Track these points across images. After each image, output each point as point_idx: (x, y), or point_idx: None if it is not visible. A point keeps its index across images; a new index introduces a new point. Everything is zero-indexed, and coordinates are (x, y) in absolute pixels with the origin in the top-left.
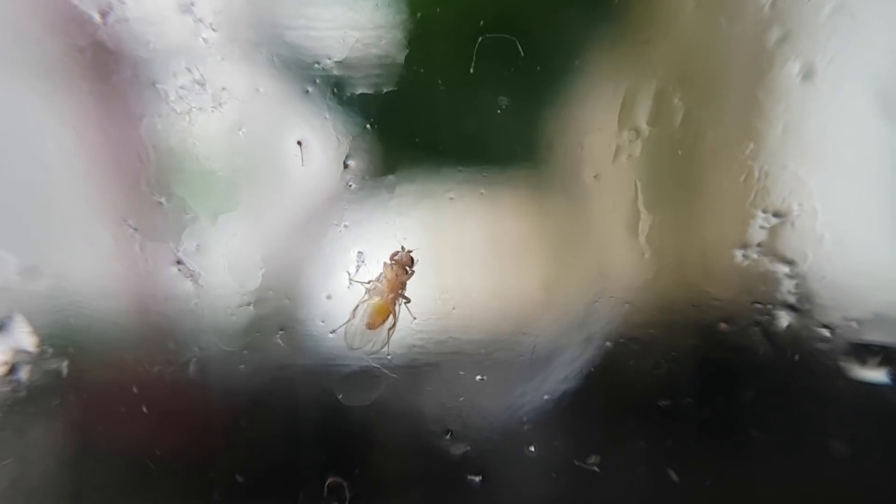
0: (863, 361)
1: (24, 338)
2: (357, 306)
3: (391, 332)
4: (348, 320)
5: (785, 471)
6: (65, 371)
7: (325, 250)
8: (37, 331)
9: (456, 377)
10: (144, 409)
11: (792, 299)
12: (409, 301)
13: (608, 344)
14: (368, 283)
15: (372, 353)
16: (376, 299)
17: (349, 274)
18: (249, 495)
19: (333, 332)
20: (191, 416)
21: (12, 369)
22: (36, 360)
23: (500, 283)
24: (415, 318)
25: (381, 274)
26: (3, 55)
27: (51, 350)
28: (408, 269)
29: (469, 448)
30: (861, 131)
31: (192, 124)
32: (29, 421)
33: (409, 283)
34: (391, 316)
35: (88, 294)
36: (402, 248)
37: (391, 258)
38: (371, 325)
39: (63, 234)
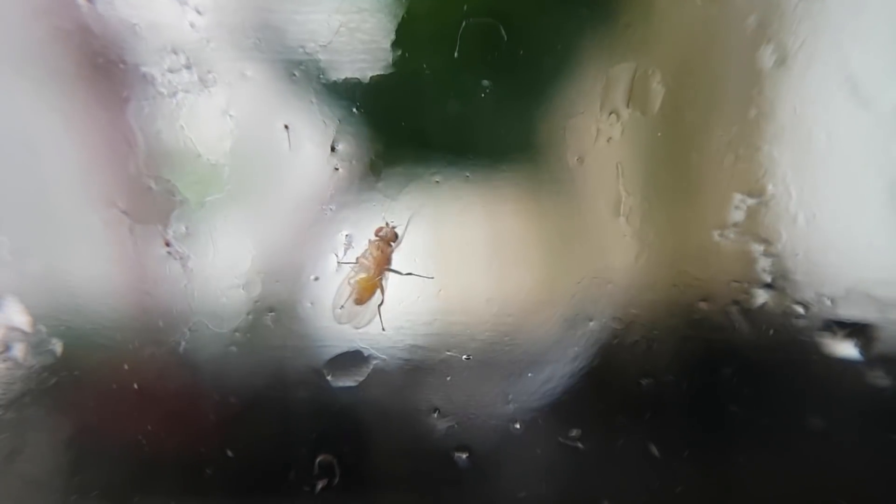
0: (836, 337)
1: (17, 317)
2: (344, 283)
3: (381, 306)
4: (336, 296)
5: (762, 444)
6: (58, 350)
7: (313, 233)
8: (30, 311)
9: (442, 357)
10: (136, 386)
11: (768, 278)
12: (397, 272)
13: (591, 323)
14: (355, 260)
15: (360, 328)
16: (363, 275)
17: (337, 256)
18: (240, 472)
19: (317, 278)
20: (182, 395)
21: (7, 348)
22: (30, 339)
23: (484, 265)
24: (401, 302)
25: (367, 250)
26: None
27: (44, 330)
28: (392, 243)
29: (455, 425)
30: (832, 113)
31: (180, 108)
32: (24, 398)
33: (395, 262)
34: (379, 291)
35: (80, 275)
36: (386, 223)
37: (375, 234)
38: (359, 301)
39: (54, 217)
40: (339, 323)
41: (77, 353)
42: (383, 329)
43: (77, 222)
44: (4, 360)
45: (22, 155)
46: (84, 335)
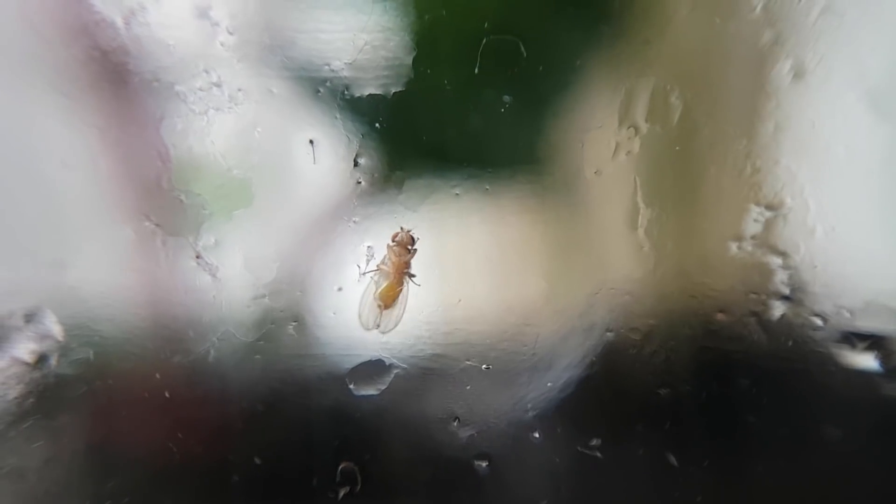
0: (854, 349)
1: (51, 328)
2: (367, 290)
3: (403, 310)
4: (360, 304)
5: (779, 454)
6: (91, 359)
7: (336, 245)
8: (63, 321)
9: (462, 366)
10: (166, 394)
11: (786, 289)
12: (414, 276)
13: (609, 334)
14: (376, 267)
15: (386, 332)
16: (384, 281)
17: (359, 267)
18: (266, 478)
19: (340, 288)
20: (210, 403)
21: (41, 358)
22: (63, 349)
23: (504, 276)
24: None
25: (386, 257)
26: (28, 59)
27: (77, 340)
28: (409, 248)
29: (475, 434)
30: (850, 126)
31: (210, 124)
32: (59, 406)
33: (416, 273)
34: (400, 295)
35: (112, 286)
36: (402, 228)
37: (392, 239)
38: (382, 306)
39: (87, 230)
40: (366, 329)
41: (109, 362)
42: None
43: (110, 235)
44: (40, 370)
45: (58, 170)
46: (116, 345)
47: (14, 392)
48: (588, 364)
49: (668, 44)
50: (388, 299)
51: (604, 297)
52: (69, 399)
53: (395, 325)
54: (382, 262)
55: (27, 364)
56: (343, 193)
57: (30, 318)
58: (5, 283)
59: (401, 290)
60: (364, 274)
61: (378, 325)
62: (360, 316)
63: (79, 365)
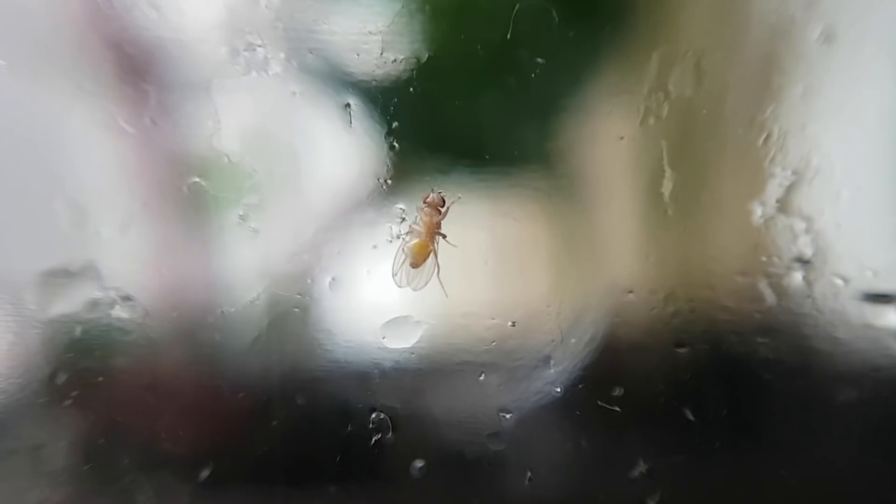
0: (876, 309)
1: (101, 284)
2: (399, 250)
3: (438, 274)
4: (393, 263)
5: (795, 412)
6: (137, 311)
7: (370, 205)
8: (112, 277)
9: (488, 324)
10: (217, 337)
11: (808, 251)
12: (446, 236)
13: (631, 294)
14: (409, 228)
15: (417, 290)
16: (416, 240)
17: (391, 229)
18: (306, 420)
19: (375, 246)
20: (254, 351)
21: (90, 309)
22: (110, 301)
23: (528, 239)
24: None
25: (417, 217)
26: (50, 51)
27: (125, 294)
28: (440, 209)
29: (500, 387)
30: (880, 91)
31: (254, 86)
32: (106, 355)
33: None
34: (432, 254)
35: (159, 242)
36: (432, 189)
37: (423, 201)
38: (414, 264)
39: (139, 189)
40: (399, 287)
41: (159, 310)
42: (446, 296)
43: (162, 193)
44: (89, 322)
45: (117, 133)
46: (164, 297)
47: (58, 346)
48: (610, 322)
49: (700, 8)
50: (419, 257)
51: (627, 260)
52: (117, 351)
53: (426, 283)
54: (414, 223)
55: (78, 314)
56: (377, 156)
57: (79, 273)
58: (58, 238)
59: (431, 249)
60: (398, 237)
61: (410, 283)
62: (393, 274)
63: (125, 318)
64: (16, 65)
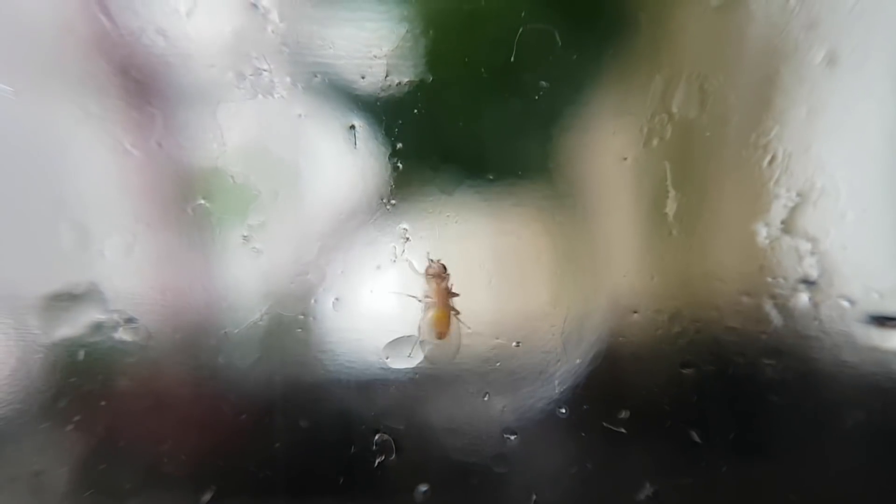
0: (882, 332)
1: (104, 304)
2: (422, 324)
3: (460, 336)
4: (420, 340)
5: (802, 434)
6: (140, 333)
7: (374, 225)
8: (116, 298)
9: (493, 344)
10: (220, 359)
11: (814, 273)
12: (458, 295)
13: (635, 314)
14: (423, 301)
15: (453, 360)
16: (432, 311)
17: (395, 248)
18: (309, 442)
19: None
20: (256, 372)
21: (93, 332)
22: (113, 324)
23: (531, 257)
24: (469, 329)
25: (426, 289)
26: (57, 76)
27: (128, 316)
28: (443, 275)
29: (505, 408)
30: (884, 112)
31: (260, 109)
32: (108, 377)
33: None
34: (455, 319)
35: (163, 263)
36: (430, 259)
37: (426, 273)
38: (440, 336)
39: (143, 210)
40: (433, 364)
41: (162, 330)
42: (469, 328)
43: (166, 215)
44: (90, 345)
45: (121, 154)
46: (168, 318)
47: (61, 369)
48: (615, 344)
49: (703, 31)
50: (443, 327)
51: (631, 279)
52: (118, 372)
53: (458, 349)
54: (426, 295)
55: (81, 338)
56: (381, 176)
57: (83, 296)
58: (62, 261)
59: (451, 314)
60: (399, 259)
61: (444, 356)
62: (424, 355)
63: (128, 339)
64: (23, 89)
